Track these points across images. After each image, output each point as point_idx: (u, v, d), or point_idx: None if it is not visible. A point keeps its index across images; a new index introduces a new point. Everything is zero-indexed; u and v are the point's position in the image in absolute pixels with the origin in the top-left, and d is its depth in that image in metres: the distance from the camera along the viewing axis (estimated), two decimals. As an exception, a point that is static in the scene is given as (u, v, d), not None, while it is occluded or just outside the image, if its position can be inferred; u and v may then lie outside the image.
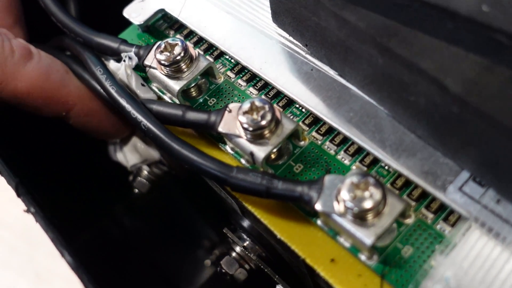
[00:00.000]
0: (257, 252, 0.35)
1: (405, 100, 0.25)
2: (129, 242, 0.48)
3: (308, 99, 0.30)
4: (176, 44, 0.31)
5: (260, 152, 0.28)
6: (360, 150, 0.29)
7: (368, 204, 0.24)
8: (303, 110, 0.31)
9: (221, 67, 0.34)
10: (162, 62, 0.31)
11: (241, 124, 0.27)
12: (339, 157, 0.29)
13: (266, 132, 0.27)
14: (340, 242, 0.26)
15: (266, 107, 0.27)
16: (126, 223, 0.49)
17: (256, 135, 0.27)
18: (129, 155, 0.40)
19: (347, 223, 0.25)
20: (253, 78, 0.33)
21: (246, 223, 0.34)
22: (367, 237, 0.24)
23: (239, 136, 0.28)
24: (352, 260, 0.26)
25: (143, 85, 0.34)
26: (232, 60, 0.34)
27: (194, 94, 0.33)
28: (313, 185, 0.26)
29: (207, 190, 0.37)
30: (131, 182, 0.41)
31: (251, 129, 0.27)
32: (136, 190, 0.41)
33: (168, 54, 0.31)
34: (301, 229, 0.28)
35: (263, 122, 0.27)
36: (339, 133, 0.29)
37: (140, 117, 0.31)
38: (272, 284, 0.35)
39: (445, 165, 0.26)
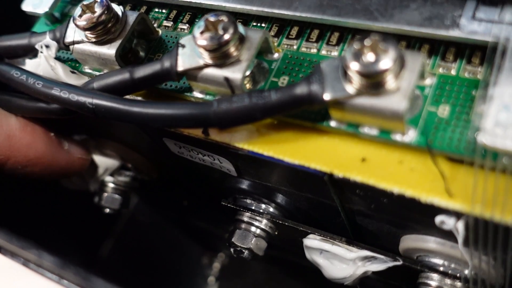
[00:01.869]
0: (267, 210, 0.30)
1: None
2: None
3: (265, 4, 0.25)
4: (95, 3, 0.26)
5: (236, 73, 0.23)
6: (343, 34, 0.25)
7: (386, 63, 0.19)
8: (263, 24, 0.27)
9: (154, 22, 0.29)
10: (86, 27, 0.26)
11: (203, 48, 0.23)
12: (323, 52, 0.25)
13: (233, 47, 0.23)
14: (365, 134, 0.22)
15: (224, 18, 0.23)
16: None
17: (224, 54, 0.23)
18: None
19: (368, 100, 0.20)
20: (194, 17, 0.28)
21: (245, 183, 0.29)
22: (397, 102, 0.20)
23: (205, 66, 0.23)
24: (385, 149, 0.22)
25: (73, 72, 0.29)
26: (164, 10, 0.29)
27: (134, 58, 0.28)
28: (311, 79, 0.21)
29: (188, 169, 0.32)
30: (99, 203, 0.35)
31: (215, 47, 0.23)
32: (108, 210, 0.35)
33: (89, 15, 0.26)
34: (313, 143, 0.23)
35: (227, 36, 0.22)
36: (312, 28, 0.25)
37: (82, 98, 0.25)
38: (298, 243, 0.30)
39: (446, 2, 0.22)
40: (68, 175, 0.34)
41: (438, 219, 0.21)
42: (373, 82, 0.20)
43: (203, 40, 0.23)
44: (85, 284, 0.18)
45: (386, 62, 0.20)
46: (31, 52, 0.29)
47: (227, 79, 0.23)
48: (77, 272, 0.19)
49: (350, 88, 0.21)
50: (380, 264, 0.27)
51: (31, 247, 0.20)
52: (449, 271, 0.25)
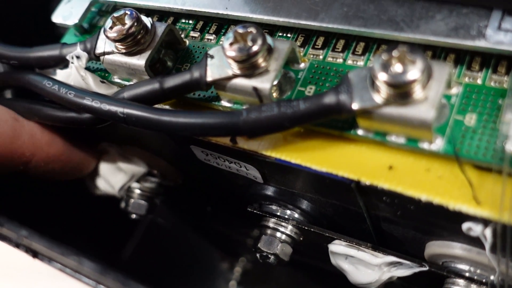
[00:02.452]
0: (293, 216, 0.30)
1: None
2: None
3: (291, 15, 0.26)
4: (125, 15, 0.27)
5: (264, 83, 0.24)
6: (368, 44, 0.25)
7: (414, 74, 0.20)
8: (288, 34, 0.27)
9: (181, 33, 0.30)
10: (116, 38, 0.27)
11: (232, 59, 0.23)
12: (349, 62, 0.25)
13: (261, 58, 0.23)
14: (392, 143, 0.22)
15: (252, 29, 0.23)
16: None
17: (252, 65, 0.23)
18: (113, 178, 0.35)
19: (395, 109, 0.21)
20: (220, 27, 0.29)
21: (270, 189, 0.30)
22: (425, 112, 0.20)
23: (233, 76, 0.24)
24: (412, 157, 0.22)
25: (102, 82, 0.29)
26: (190, 21, 0.30)
27: (162, 68, 0.28)
28: (339, 88, 0.22)
29: (213, 176, 0.32)
30: (126, 209, 0.36)
31: (244, 58, 0.23)
32: (134, 216, 0.36)
33: (120, 27, 0.27)
34: (340, 151, 0.24)
35: (256, 47, 0.23)
36: (338, 38, 0.26)
37: (114, 107, 0.26)
38: (323, 249, 0.30)
39: (471, 13, 0.22)
40: (82, 172, 0.35)
41: (465, 226, 0.22)
42: (401, 92, 0.20)
43: (232, 51, 0.23)
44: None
45: (414, 72, 0.20)
46: (62, 62, 0.30)
47: (255, 89, 0.24)
48: (116, 277, 0.19)
49: (378, 98, 0.21)
50: (406, 269, 0.27)
51: (70, 253, 0.21)
52: (475, 277, 0.25)
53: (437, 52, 0.24)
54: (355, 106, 0.21)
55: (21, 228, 0.24)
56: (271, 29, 0.28)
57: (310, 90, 0.25)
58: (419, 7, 0.23)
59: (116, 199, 0.37)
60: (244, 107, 0.25)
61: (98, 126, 0.28)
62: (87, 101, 0.27)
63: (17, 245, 0.25)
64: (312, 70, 0.25)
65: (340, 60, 0.25)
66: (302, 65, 0.26)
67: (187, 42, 0.29)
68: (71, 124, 0.29)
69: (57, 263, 0.21)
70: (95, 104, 0.27)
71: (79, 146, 0.34)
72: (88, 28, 0.32)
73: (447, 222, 0.23)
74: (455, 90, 0.22)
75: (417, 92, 0.20)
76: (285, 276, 0.43)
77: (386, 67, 0.20)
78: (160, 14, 0.31)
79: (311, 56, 0.26)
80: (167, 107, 0.28)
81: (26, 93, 0.31)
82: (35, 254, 0.22)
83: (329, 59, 0.25)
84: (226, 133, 0.24)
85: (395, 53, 0.20)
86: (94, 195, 0.37)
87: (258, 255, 0.31)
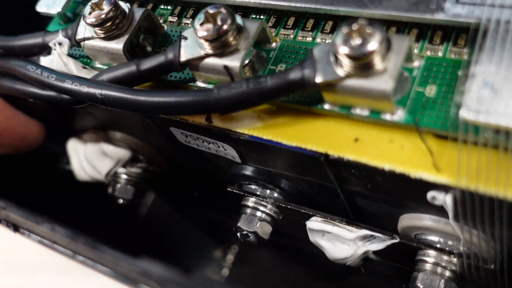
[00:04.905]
0: (272, 195, 0.31)
1: None
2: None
3: (262, -4, 0.27)
4: (103, 0, 0.28)
5: (234, 61, 0.24)
6: (336, 23, 0.26)
7: (372, 45, 0.21)
8: (262, 16, 0.28)
9: (160, 18, 0.31)
10: (95, 23, 0.27)
11: (203, 38, 0.24)
12: (318, 40, 0.26)
13: (231, 37, 0.24)
14: (357, 115, 0.23)
15: (222, 10, 0.24)
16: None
17: (223, 44, 0.24)
18: (99, 163, 0.36)
19: (356, 81, 0.22)
20: (197, 12, 0.30)
21: (249, 169, 0.31)
22: (384, 82, 0.21)
23: (205, 56, 0.25)
24: (376, 129, 0.23)
25: (84, 67, 0.30)
26: (169, 7, 0.31)
27: (141, 52, 0.29)
28: (304, 64, 0.23)
29: (195, 159, 0.33)
30: (113, 194, 0.37)
31: (214, 37, 0.24)
32: (121, 200, 0.37)
33: (98, 12, 0.27)
34: (309, 126, 0.25)
35: (225, 26, 0.24)
36: (308, 18, 0.27)
37: (92, 89, 0.27)
38: (302, 227, 0.31)
39: (431, -12, 0.23)
40: (26, 143, 0.36)
41: (430, 194, 0.22)
42: (361, 64, 0.21)
43: (203, 31, 0.24)
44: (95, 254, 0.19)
45: (373, 44, 0.21)
46: (46, 50, 0.31)
47: (226, 67, 0.25)
48: (86, 242, 0.20)
49: (341, 71, 0.22)
50: (379, 243, 0.28)
51: (44, 221, 0.22)
52: (446, 248, 0.26)
53: (401, 28, 0.24)
54: (318, 79, 0.22)
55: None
56: (245, 11, 0.28)
57: (281, 68, 0.26)
58: (383, -16, 0.24)
59: (104, 185, 0.38)
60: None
61: (77, 106, 0.29)
62: (68, 83, 0.28)
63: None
64: (283, 49, 0.26)
65: (309, 39, 0.26)
66: (273, 45, 0.27)
67: (165, 27, 0.30)
68: (51, 102, 0.30)
69: (35, 235, 0.22)
70: (76, 86, 0.28)
71: (19, 117, 0.34)
72: (72, 17, 0.33)
73: (413, 192, 0.24)
74: (417, 63, 0.23)
75: (377, 64, 0.21)
76: (270, 259, 0.44)
77: (346, 40, 0.21)
78: (141, 0, 0.32)
79: (283, 36, 0.27)
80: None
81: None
82: (15, 227, 0.23)
83: (299, 38, 0.26)
84: (199, 110, 0.25)
85: (354, 26, 0.21)
86: (81, 182, 0.38)
87: (238, 234, 0.32)
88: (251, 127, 0.26)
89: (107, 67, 0.30)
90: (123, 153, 0.36)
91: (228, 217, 0.44)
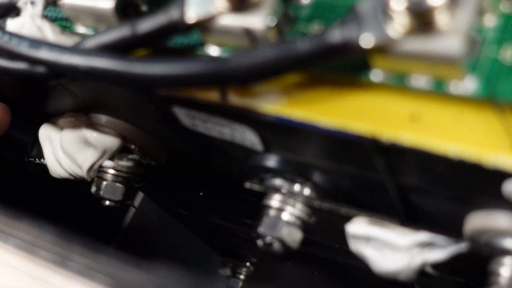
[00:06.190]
0: (302, 192, 0.32)
1: None
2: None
3: None
4: None
5: (257, 21, 0.25)
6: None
7: (435, -2, 0.21)
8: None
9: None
10: (77, -25, 0.28)
11: (217, -8, 0.25)
12: (362, -8, 0.26)
13: (253, -11, 0.25)
14: (412, 87, 0.24)
15: (240, -45, 0.25)
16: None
17: (242, -1, 0.25)
18: (80, 155, 0.37)
19: (414, 43, 0.22)
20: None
21: (273, 159, 0.31)
22: (451, 43, 0.21)
23: (219, 13, 0.25)
24: (438, 103, 0.24)
25: (63, 33, 0.31)
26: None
27: (135, 13, 0.30)
28: (345, 23, 0.23)
29: (203, 148, 0.34)
30: (97, 193, 0.38)
31: (232, -9, 0.25)
32: (107, 202, 0.38)
33: (80, -39, 0.28)
34: (352, 102, 0.25)
35: (245, -25, 0.24)
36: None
37: (75, 60, 0.28)
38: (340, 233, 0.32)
39: None
40: None
41: (507, 185, 0.23)
42: (422, 21, 0.22)
43: (217, -17, 0.25)
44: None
45: (436, -5, 0.21)
46: (13, 10, 0.31)
47: (247, 30, 0.25)
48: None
49: (394, 31, 0.22)
50: (441, 251, 0.28)
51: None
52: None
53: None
54: (365, 42, 0.23)
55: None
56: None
57: (313, 29, 0.26)
58: None
59: (86, 183, 0.38)
60: (234, 53, 0.27)
61: (55, 80, 0.30)
62: (44, 53, 0.28)
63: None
64: (318, 7, 0.27)
65: (350, -9, 0.27)
66: (305, 1, 0.27)
67: (163, -21, 0.31)
68: (21, 77, 0.30)
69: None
70: (54, 56, 0.28)
71: None
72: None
73: (486, 183, 0.24)
74: (490, 21, 0.24)
75: (442, 20, 0.22)
76: (295, 275, 0.44)
77: (401, -11, 0.22)
78: None
79: (316, -12, 0.27)
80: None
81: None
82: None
83: (338, -10, 0.27)
84: (212, 81, 0.26)
85: (412, -29, 0.22)
86: (58, 180, 0.38)
87: (259, 242, 0.32)
88: (278, 105, 0.26)
89: (91, 31, 0.30)
90: (110, 142, 0.36)
91: (241, 224, 0.45)
